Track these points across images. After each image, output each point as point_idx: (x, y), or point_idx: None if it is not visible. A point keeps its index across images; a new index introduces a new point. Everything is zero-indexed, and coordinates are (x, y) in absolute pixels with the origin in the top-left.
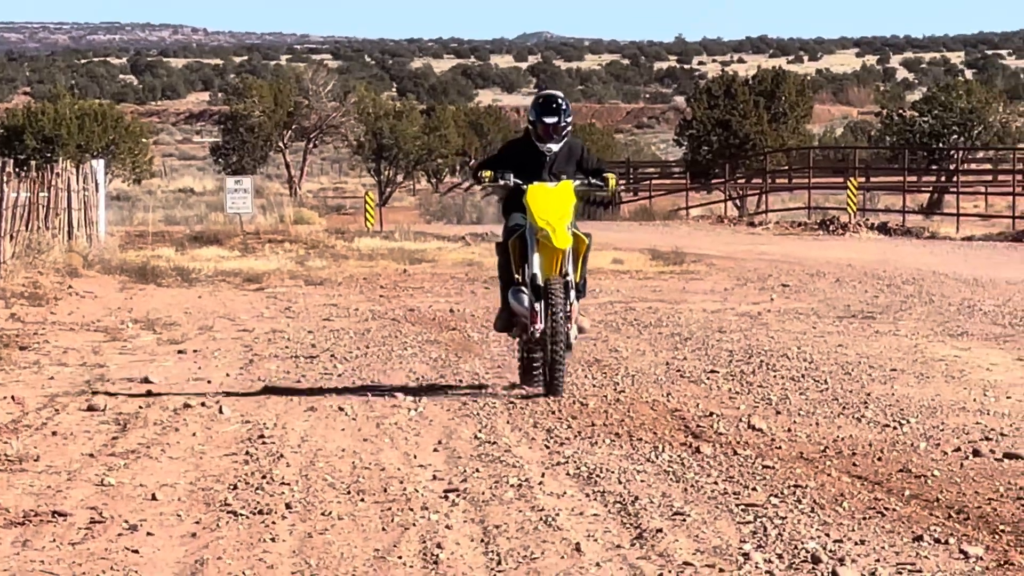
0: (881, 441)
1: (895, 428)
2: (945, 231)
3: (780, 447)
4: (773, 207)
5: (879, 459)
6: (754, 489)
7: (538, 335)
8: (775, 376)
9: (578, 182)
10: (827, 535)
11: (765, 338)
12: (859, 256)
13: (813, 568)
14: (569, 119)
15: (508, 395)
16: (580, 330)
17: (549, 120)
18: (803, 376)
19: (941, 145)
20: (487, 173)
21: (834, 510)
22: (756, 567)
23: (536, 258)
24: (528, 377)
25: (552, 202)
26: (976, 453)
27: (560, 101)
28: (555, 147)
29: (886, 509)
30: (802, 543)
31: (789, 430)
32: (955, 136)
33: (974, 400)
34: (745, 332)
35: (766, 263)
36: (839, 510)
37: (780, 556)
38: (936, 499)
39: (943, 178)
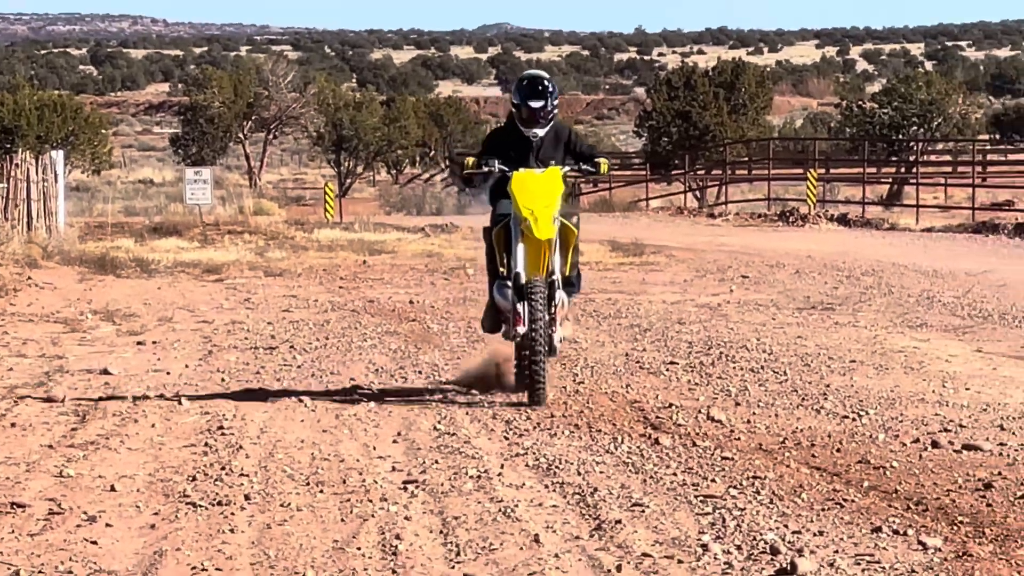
0: (840, 432)
1: (854, 419)
2: (905, 222)
3: (739, 438)
4: (733, 198)
5: (838, 450)
6: (713, 480)
7: (519, 338)
8: (734, 367)
9: (567, 168)
10: (786, 526)
11: (724, 329)
12: (819, 247)
13: (772, 559)
14: (555, 102)
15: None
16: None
17: (535, 104)
18: (762, 367)
19: (901, 137)
20: (469, 160)
21: (793, 501)
22: (715, 558)
23: (520, 251)
24: (520, 382)
25: (538, 189)
26: (935, 444)
27: (546, 83)
28: (541, 132)
29: (845, 500)
30: (761, 534)
31: (748, 421)
32: (915, 128)
33: (933, 391)
34: (704, 323)
35: (726, 254)
36: (798, 501)
37: (739, 547)
38: (895, 490)
39: (903, 169)
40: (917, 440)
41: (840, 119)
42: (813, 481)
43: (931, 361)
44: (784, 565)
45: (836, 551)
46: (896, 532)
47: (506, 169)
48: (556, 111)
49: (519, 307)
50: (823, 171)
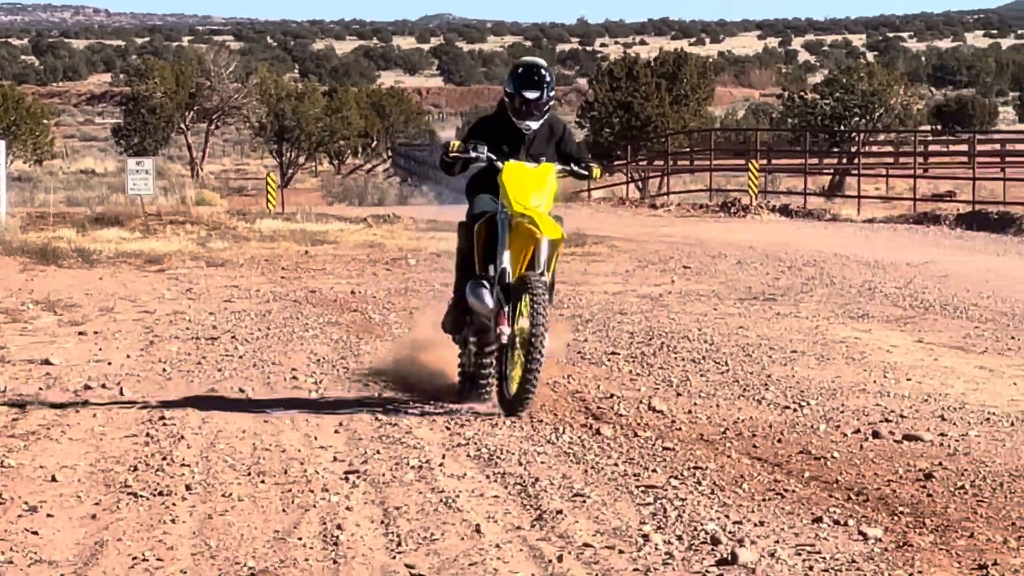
0: (781, 423)
1: (795, 410)
2: (846, 213)
3: (680, 429)
4: (675, 189)
5: (779, 441)
6: (654, 471)
7: (505, 339)
8: (676, 358)
9: (560, 167)
10: (727, 517)
11: (666, 320)
12: (760, 238)
13: (713, 549)
14: (552, 93)
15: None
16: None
17: (530, 95)
18: (704, 358)
19: (843, 127)
20: (455, 144)
21: (734, 492)
22: (656, 548)
23: (507, 248)
24: (475, 391)
25: (531, 185)
26: (876, 435)
27: (543, 72)
28: (534, 125)
29: (786, 491)
30: (702, 524)
31: (689, 412)
32: (856, 118)
33: (874, 382)
34: (646, 314)
35: (667, 245)
36: (739, 492)
37: (680, 537)
38: (836, 481)
39: (844, 160)
40: (858, 431)
41: (782, 110)
42: (754, 471)
43: (872, 352)
44: (725, 555)
45: (777, 541)
46: (837, 522)
47: (494, 158)
48: (552, 103)
49: (505, 308)
50: (765, 162)
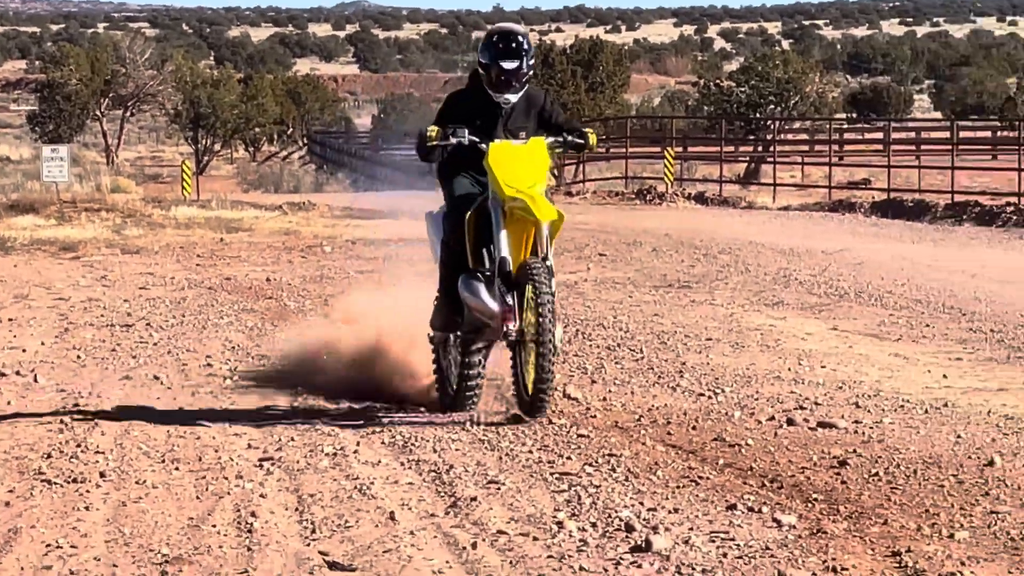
0: (696, 410)
1: (710, 397)
2: (762, 201)
3: (595, 416)
4: (590, 176)
5: (693, 428)
6: (569, 458)
7: (513, 336)
8: (591, 345)
9: (551, 139)
10: (641, 504)
11: (581, 307)
12: (676, 225)
13: (627, 536)
14: (532, 62)
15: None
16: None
17: (508, 65)
18: (619, 345)
19: (758, 115)
20: (433, 130)
21: (648, 479)
22: (570, 535)
23: (504, 237)
24: (460, 398)
25: (521, 165)
26: (790, 422)
27: (520, 39)
28: (513, 98)
29: (700, 478)
30: (616, 512)
31: (604, 399)
32: (772, 106)
33: (789, 369)
34: (561, 301)
35: (583, 232)
36: (653, 479)
37: (594, 524)
38: (750, 468)
39: (760, 148)
40: (772, 418)
41: (698, 97)
42: (668, 459)
43: (787, 339)
44: (639, 542)
45: (691, 528)
46: (751, 509)
47: (478, 140)
48: (532, 73)
49: (509, 299)
50: (680, 149)
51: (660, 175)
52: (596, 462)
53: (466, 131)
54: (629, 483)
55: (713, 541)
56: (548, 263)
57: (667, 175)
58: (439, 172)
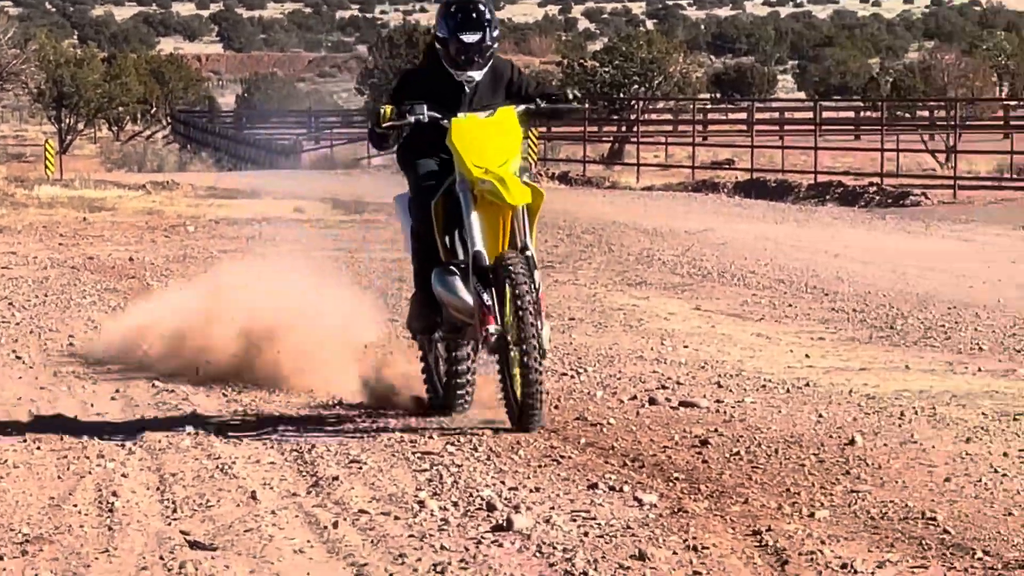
0: (558, 389)
1: (572, 377)
2: (626, 181)
3: None
4: None
5: (556, 407)
6: (431, 437)
7: (493, 340)
8: None
9: (523, 106)
10: (502, 483)
11: None
12: (542, 205)
13: (488, 515)
14: (496, 33)
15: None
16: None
17: (469, 38)
18: None
19: (622, 95)
20: (387, 109)
21: (510, 458)
22: (431, 515)
23: (476, 224)
24: (449, 397)
25: (490, 140)
26: (652, 401)
27: (482, 8)
28: (477, 75)
29: (562, 457)
30: (477, 491)
31: None
32: (636, 86)
33: (651, 349)
34: None
35: None
36: (515, 458)
37: (455, 503)
38: (612, 447)
39: (624, 128)
40: (635, 397)
41: (562, 77)
42: (530, 438)
43: (650, 319)
44: (500, 521)
45: (552, 507)
46: (612, 488)
47: (440, 117)
48: (496, 46)
49: (485, 297)
50: (544, 130)
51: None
52: (458, 441)
53: (424, 107)
54: (491, 462)
55: (574, 520)
56: (528, 253)
57: (531, 155)
58: (399, 158)
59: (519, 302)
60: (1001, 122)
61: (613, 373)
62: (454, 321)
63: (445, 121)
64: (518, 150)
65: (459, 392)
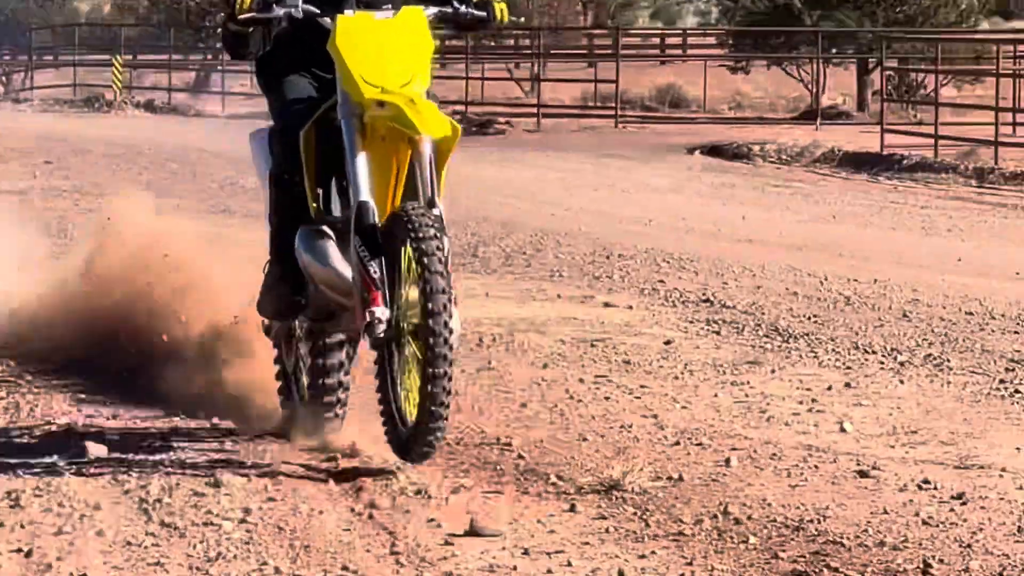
0: None
1: None
2: (211, 110)
3: None
4: (38, 84)
5: None
6: None
7: (382, 330)
8: None
9: (435, 9)
10: (79, 410)
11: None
12: (126, 133)
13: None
14: None
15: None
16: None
17: None
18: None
19: (207, 24)
20: (245, 0)
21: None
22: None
23: (363, 166)
24: (313, 411)
25: (390, 49)
26: None
27: None
28: None
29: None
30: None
31: None
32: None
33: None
34: (7, 211)
35: (31, 140)
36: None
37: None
38: None
39: (210, 57)
40: None
41: (147, 6)
42: None
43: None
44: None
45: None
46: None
47: (316, 12)
48: None
49: (373, 267)
50: (130, 57)
51: (109, 83)
52: None
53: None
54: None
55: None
56: (437, 211)
57: (116, 83)
58: (259, 71)
59: (426, 276)
60: (585, 51)
61: None
62: (325, 303)
63: (327, 19)
64: (427, 68)
65: (327, 403)
